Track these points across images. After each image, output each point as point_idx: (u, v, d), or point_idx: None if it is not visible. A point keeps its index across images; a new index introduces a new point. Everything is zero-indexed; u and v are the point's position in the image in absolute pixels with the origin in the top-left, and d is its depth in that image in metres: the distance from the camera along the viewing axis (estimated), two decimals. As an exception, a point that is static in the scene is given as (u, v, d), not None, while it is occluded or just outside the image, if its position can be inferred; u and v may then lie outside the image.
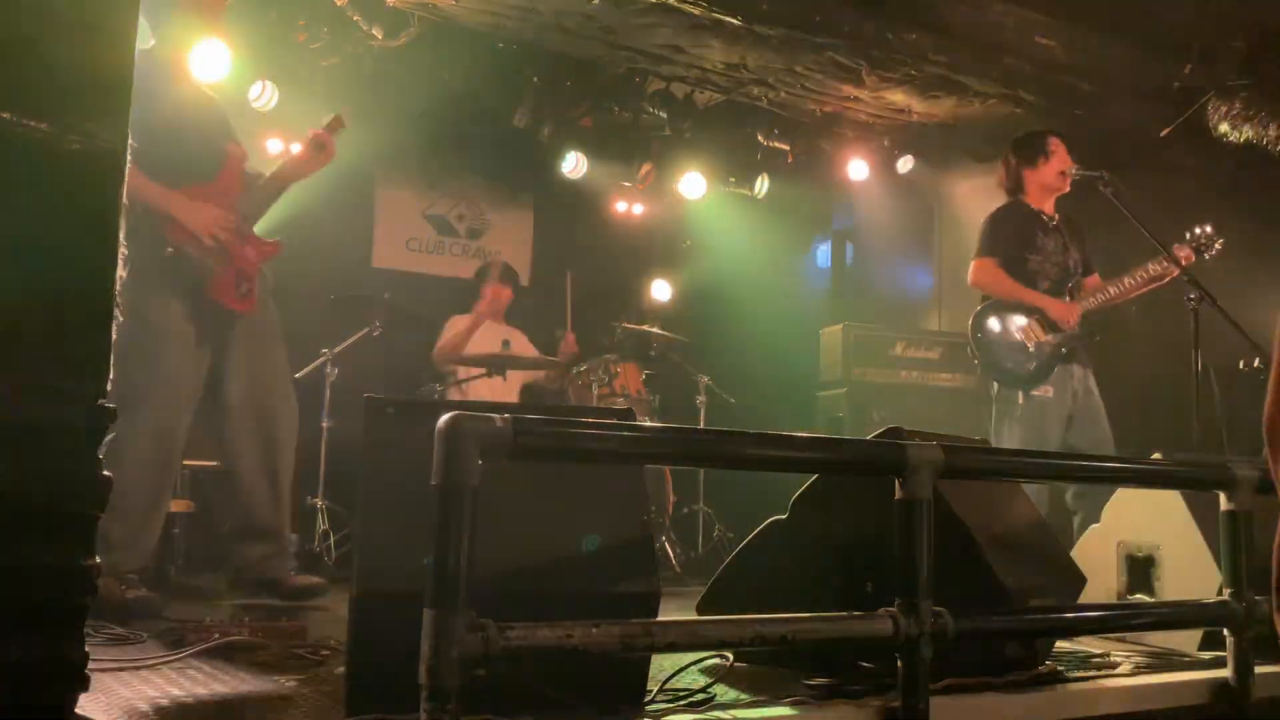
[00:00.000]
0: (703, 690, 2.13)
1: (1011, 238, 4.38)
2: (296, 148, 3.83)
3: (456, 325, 5.70)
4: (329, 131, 3.66)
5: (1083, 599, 2.72)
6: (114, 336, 1.27)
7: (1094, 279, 4.46)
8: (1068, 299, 4.33)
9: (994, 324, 4.38)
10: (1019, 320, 4.31)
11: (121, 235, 1.28)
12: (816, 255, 7.62)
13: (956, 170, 6.72)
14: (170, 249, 3.29)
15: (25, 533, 1.18)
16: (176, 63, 3.48)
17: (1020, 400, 4.26)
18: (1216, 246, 4.13)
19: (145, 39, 3.49)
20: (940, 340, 6.34)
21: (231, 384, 3.45)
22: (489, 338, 5.65)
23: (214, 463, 4.46)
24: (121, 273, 1.28)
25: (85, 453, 1.24)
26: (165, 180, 3.28)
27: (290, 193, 3.69)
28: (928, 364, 6.27)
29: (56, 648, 1.19)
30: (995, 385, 4.39)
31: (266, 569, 3.47)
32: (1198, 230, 4.16)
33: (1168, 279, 4.20)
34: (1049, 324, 4.27)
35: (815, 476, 2.58)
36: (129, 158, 1.29)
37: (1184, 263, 4.06)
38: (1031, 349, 4.27)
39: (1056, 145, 4.42)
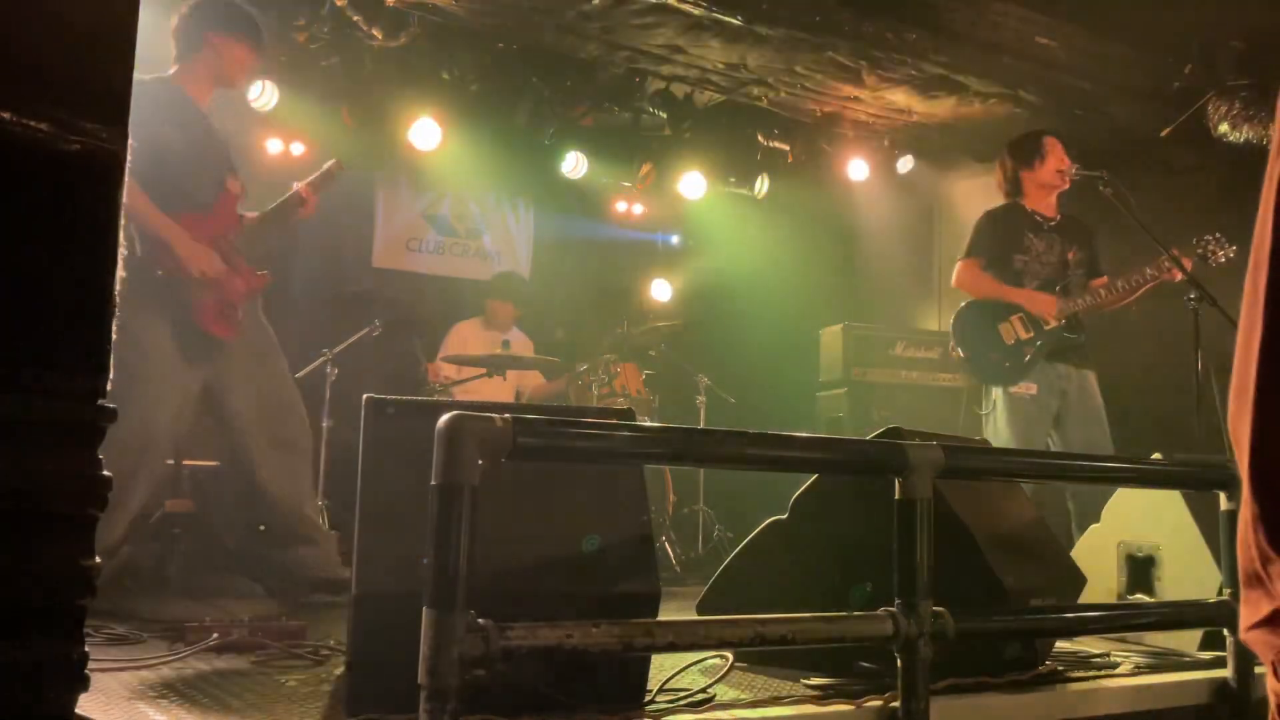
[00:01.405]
0: (703, 690, 2.13)
1: (996, 239, 4.38)
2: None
3: (462, 333, 5.73)
4: (320, 181, 3.75)
5: (1083, 599, 2.72)
6: (114, 336, 1.27)
7: (1100, 281, 4.43)
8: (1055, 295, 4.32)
9: (974, 322, 4.39)
10: (999, 318, 4.31)
11: (121, 237, 1.28)
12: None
13: (956, 170, 6.72)
14: (160, 271, 3.36)
15: (25, 533, 1.18)
16: (193, 93, 3.59)
17: (1000, 398, 4.26)
18: (1221, 256, 4.08)
19: (167, 65, 3.63)
20: (940, 340, 6.32)
21: (236, 402, 3.49)
22: (489, 339, 5.67)
23: (214, 463, 4.47)
24: (121, 273, 1.28)
25: (85, 452, 1.23)
26: (167, 205, 3.37)
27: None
28: (928, 364, 6.27)
29: (56, 648, 1.19)
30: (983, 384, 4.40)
31: (317, 568, 3.48)
32: (1208, 237, 4.13)
33: (1161, 282, 4.19)
34: (1030, 321, 4.27)
35: (815, 476, 2.58)
36: (129, 176, 1.29)
37: (1186, 267, 4.03)
38: (1011, 346, 4.27)
39: (1052, 145, 4.42)
